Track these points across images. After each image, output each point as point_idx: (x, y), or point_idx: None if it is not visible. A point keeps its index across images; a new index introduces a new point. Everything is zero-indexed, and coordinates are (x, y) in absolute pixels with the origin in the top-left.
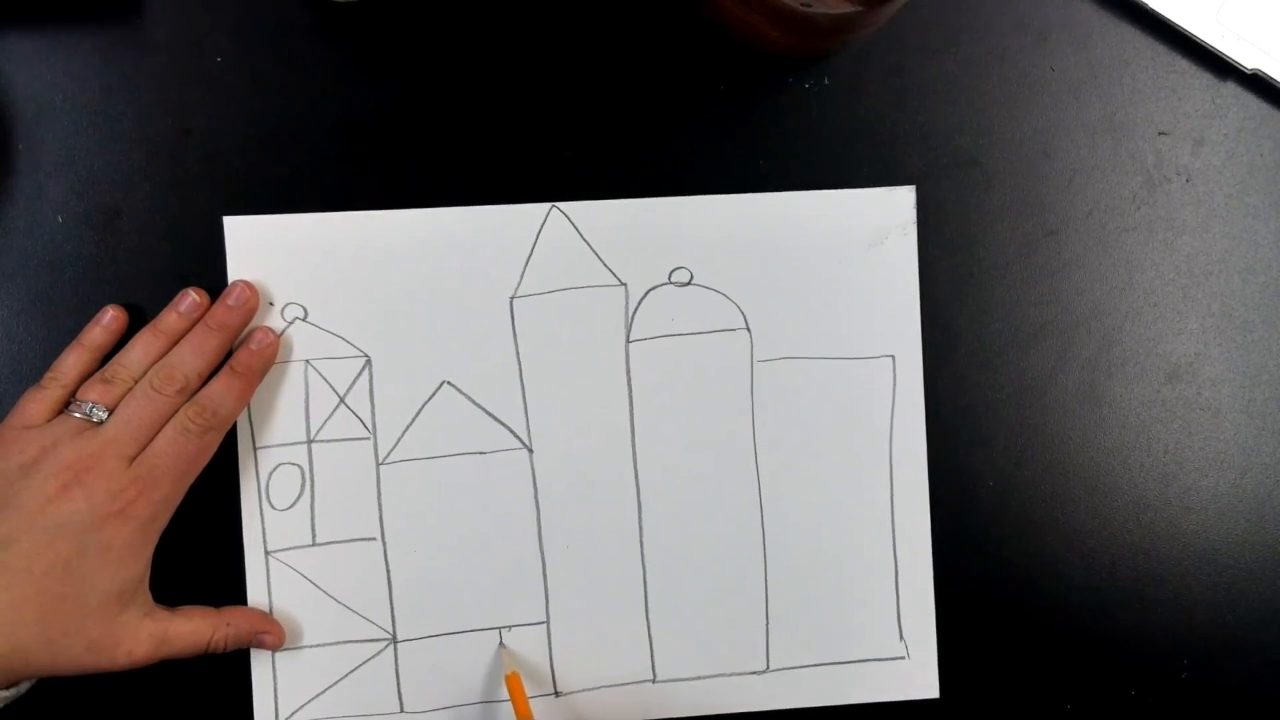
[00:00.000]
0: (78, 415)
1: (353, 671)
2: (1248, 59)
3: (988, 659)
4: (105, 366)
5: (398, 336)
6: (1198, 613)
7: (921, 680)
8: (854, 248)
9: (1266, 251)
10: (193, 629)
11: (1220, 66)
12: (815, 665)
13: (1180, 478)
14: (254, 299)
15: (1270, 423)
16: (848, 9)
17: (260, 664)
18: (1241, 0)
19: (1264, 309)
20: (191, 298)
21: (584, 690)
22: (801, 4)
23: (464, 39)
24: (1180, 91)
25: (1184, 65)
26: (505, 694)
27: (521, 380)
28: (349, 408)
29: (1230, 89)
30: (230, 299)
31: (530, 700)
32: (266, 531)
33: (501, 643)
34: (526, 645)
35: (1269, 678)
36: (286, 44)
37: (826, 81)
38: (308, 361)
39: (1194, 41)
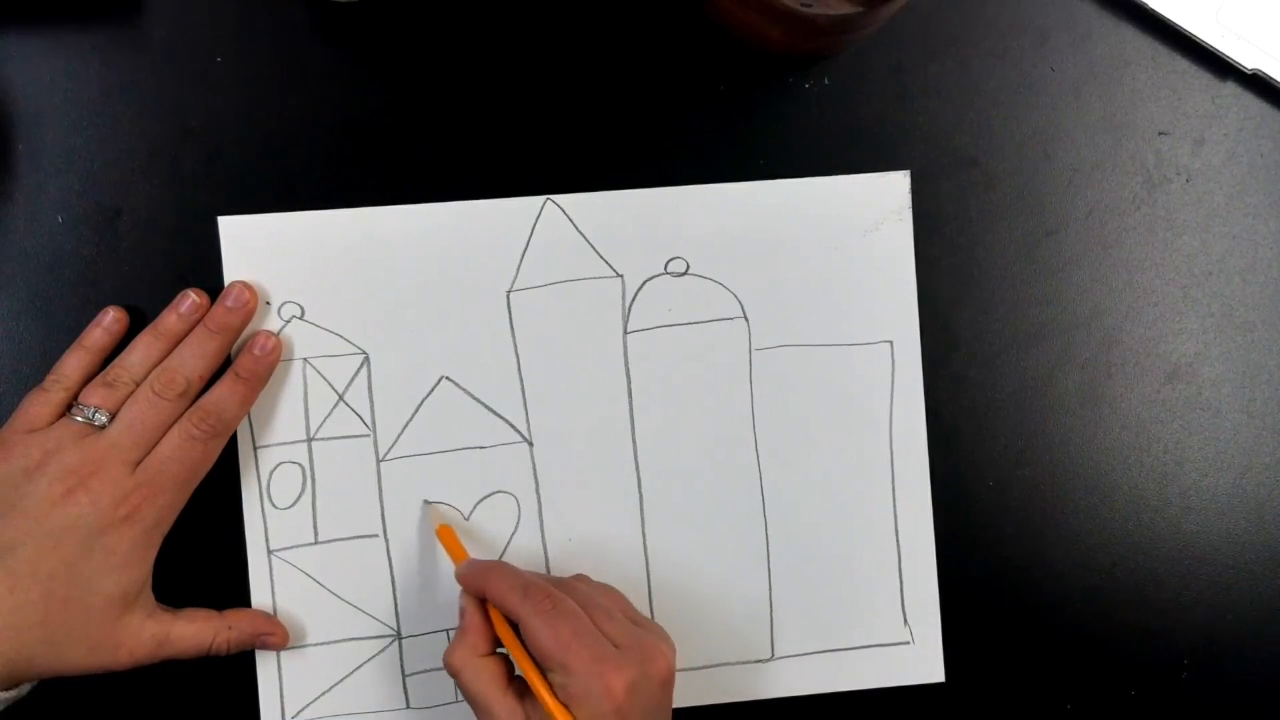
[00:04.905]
0: (80, 419)
1: (358, 669)
2: (1248, 59)
3: (989, 656)
4: (107, 369)
5: (395, 333)
6: (1198, 613)
7: (926, 665)
8: (849, 234)
9: (1266, 251)
10: (194, 631)
11: (1220, 66)
12: (820, 652)
13: (1180, 478)
14: (252, 299)
15: (1270, 423)
16: (848, 9)
17: (265, 663)
18: (1241, 0)
19: (1264, 309)
20: (191, 299)
21: None
22: (801, 4)
23: (463, 38)
24: (1180, 91)
25: (1184, 65)
26: None
27: (520, 374)
28: (348, 405)
29: (1230, 89)
30: (229, 300)
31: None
32: (269, 530)
33: (427, 501)
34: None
35: (1269, 678)
36: (286, 44)
37: (826, 81)
38: (306, 360)
39: (1194, 41)
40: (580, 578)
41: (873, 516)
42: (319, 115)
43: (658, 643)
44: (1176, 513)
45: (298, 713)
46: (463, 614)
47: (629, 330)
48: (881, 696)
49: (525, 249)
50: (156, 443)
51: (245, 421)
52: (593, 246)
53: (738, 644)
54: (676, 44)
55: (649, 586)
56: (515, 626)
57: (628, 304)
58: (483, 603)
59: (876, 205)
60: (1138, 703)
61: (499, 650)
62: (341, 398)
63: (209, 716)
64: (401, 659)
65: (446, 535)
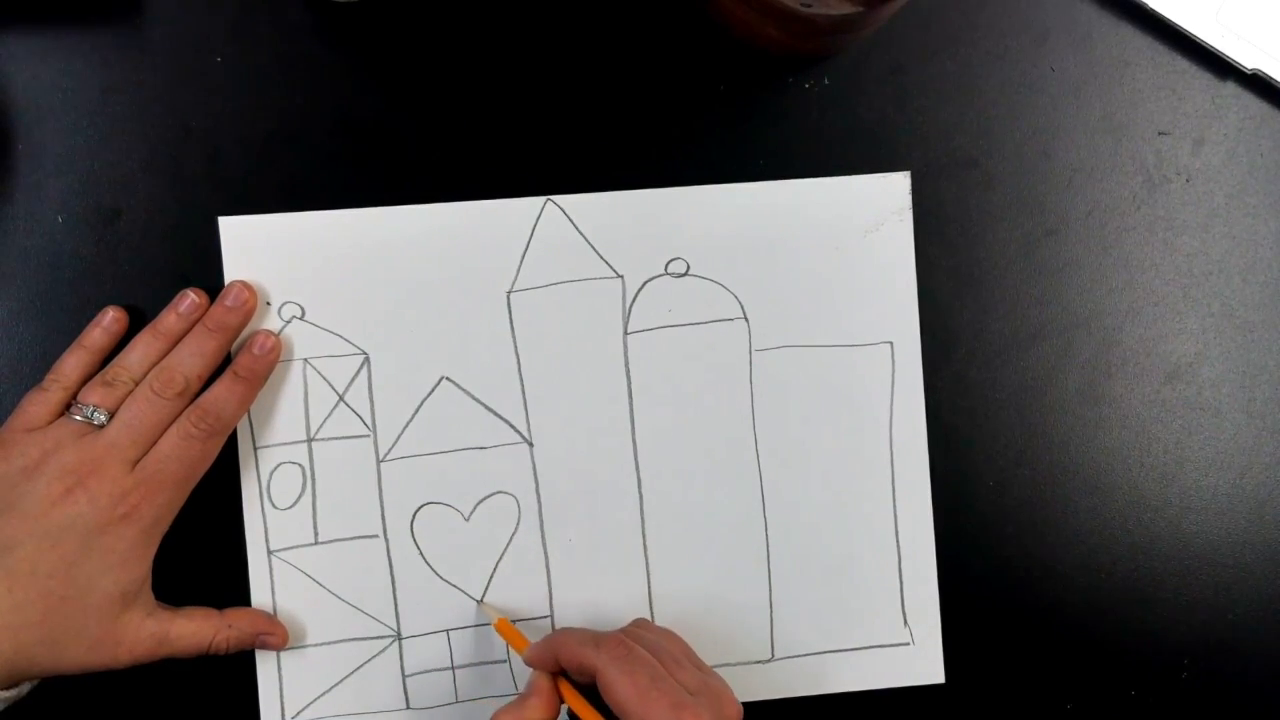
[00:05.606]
0: (79, 418)
1: (358, 669)
2: (1248, 59)
3: (989, 656)
4: (106, 369)
5: (395, 333)
6: (1198, 613)
7: (926, 666)
8: (850, 235)
9: (1266, 251)
10: (194, 629)
11: (1220, 66)
12: (820, 653)
13: (1180, 478)
14: (252, 299)
15: (1270, 423)
16: (848, 9)
17: (265, 663)
18: (1241, 0)
19: (1264, 309)
20: (190, 299)
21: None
22: (801, 4)
23: (463, 39)
24: (1180, 91)
25: (1184, 65)
26: (510, 689)
27: (520, 374)
28: (348, 406)
29: (1230, 89)
30: (228, 300)
31: None
32: (269, 531)
33: (479, 601)
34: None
35: (1269, 678)
36: (286, 44)
37: (826, 81)
38: (306, 360)
39: (1194, 41)
40: (641, 623)
41: (873, 517)
42: (319, 115)
43: (725, 688)
44: (1176, 513)
45: (298, 713)
46: (530, 684)
47: (629, 331)
48: (881, 697)
49: (525, 249)
50: (155, 441)
51: (245, 422)
52: (593, 247)
53: (738, 645)
54: (676, 44)
55: (649, 587)
56: (585, 693)
57: (628, 305)
58: (552, 678)
59: (877, 205)
60: (1138, 703)
61: None
62: (342, 398)
63: (209, 716)
64: (401, 659)
65: (506, 628)
